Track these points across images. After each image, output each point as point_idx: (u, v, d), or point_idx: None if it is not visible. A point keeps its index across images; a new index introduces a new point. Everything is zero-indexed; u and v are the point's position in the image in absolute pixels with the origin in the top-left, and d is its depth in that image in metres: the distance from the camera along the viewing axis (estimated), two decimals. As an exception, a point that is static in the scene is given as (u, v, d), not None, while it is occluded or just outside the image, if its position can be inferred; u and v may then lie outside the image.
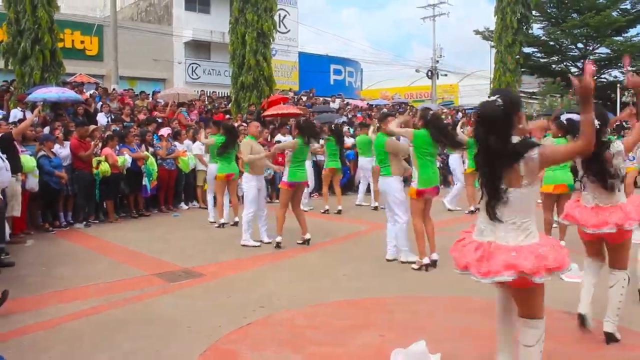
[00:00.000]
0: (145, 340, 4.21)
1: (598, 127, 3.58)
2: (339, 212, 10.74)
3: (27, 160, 8.16)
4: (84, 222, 9.33)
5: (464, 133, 9.98)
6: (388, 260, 6.73)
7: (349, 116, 19.09)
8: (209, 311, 4.90)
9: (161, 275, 6.19)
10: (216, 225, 9.34)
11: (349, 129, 16.02)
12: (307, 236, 7.73)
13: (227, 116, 16.46)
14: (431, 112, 6.96)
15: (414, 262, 6.45)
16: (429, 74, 36.14)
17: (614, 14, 30.33)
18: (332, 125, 10.98)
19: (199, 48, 28.95)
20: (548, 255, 2.86)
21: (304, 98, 21.36)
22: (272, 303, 5.11)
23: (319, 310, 4.97)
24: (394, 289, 5.64)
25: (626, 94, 30.83)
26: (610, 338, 4.07)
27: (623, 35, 31.50)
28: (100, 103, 13.60)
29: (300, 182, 7.72)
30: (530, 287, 2.93)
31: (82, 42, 24.35)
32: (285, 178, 7.62)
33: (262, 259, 7.01)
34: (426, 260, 6.30)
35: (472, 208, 10.57)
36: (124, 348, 4.08)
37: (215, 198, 9.71)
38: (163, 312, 4.90)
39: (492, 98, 2.92)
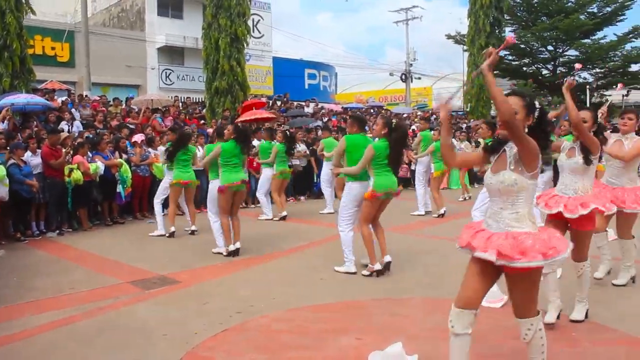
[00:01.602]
0: (121, 349, 4.17)
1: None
2: (284, 217, 10.53)
3: (-3, 169, 8.01)
4: (57, 231, 9.17)
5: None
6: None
7: (324, 120, 19.16)
8: (185, 318, 4.87)
9: (136, 283, 6.13)
10: (167, 235, 8.91)
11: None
12: (237, 245, 7.43)
13: (202, 122, 16.40)
14: (394, 120, 6.83)
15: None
16: (403, 77, 36.46)
17: (582, 17, 30.93)
18: (287, 132, 11.15)
19: (173, 53, 28.74)
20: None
21: (279, 103, 21.37)
22: (248, 308, 5.09)
23: (296, 314, 4.97)
24: (371, 292, 5.66)
25: (595, 94, 31.52)
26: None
27: (591, 37, 32.16)
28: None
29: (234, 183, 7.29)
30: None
31: (52, 48, 23.98)
32: (219, 182, 7.34)
33: (237, 265, 6.97)
34: (377, 267, 6.24)
35: (441, 211, 10.54)
36: (100, 358, 4.03)
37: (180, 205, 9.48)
38: (138, 320, 4.85)
39: None
